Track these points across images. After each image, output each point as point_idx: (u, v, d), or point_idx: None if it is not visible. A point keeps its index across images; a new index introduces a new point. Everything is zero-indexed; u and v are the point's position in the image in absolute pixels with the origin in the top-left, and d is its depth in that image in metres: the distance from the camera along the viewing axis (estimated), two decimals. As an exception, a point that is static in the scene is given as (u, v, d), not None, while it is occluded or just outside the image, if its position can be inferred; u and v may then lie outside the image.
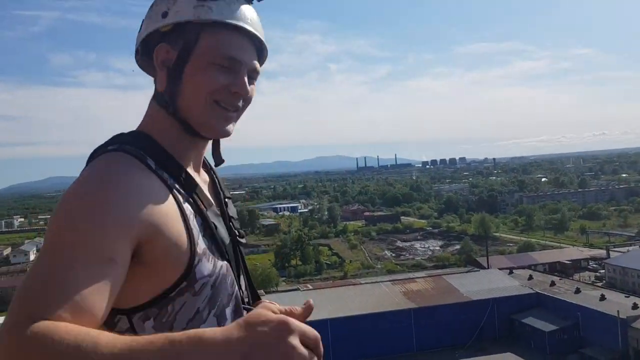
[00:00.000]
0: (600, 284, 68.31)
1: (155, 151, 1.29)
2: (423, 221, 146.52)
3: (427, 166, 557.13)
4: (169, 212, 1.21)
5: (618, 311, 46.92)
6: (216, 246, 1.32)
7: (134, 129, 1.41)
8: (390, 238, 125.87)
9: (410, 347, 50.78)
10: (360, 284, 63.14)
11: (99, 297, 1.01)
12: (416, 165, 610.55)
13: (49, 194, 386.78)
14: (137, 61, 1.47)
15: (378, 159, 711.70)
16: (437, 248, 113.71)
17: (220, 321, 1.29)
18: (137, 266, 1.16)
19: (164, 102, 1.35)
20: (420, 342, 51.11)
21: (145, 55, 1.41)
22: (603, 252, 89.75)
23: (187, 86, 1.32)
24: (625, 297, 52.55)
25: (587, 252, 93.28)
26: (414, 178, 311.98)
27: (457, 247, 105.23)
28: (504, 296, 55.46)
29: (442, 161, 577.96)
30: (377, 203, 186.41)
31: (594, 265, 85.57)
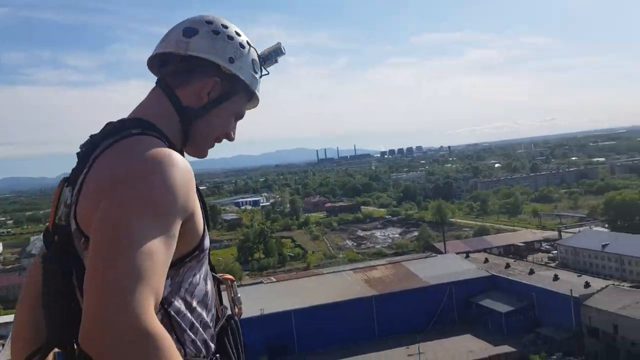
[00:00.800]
0: (553, 265, 71.03)
1: (168, 141, 1.46)
2: (382, 210, 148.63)
3: (386, 156, 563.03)
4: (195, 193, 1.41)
5: (571, 290, 49.05)
6: (207, 225, 1.51)
7: (117, 118, 1.55)
8: (351, 228, 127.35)
9: (372, 333, 51.85)
10: (323, 274, 63.91)
11: (164, 276, 1.19)
12: (375, 156, 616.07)
13: (3, 195, 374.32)
14: (161, 56, 1.64)
15: (338, 150, 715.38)
16: (397, 235, 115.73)
17: (206, 282, 1.51)
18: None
19: (185, 114, 1.57)
20: (381, 328, 52.24)
21: (182, 61, 1.59)
22: (555, 234, 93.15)
23: (210, 118, 1.61)
24: (578, 276, 54.84)
25: (539, 234, 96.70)
26: (373, 168, 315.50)
27: (416, 233, 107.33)
28: (461, 280, 57.19)
29: (400, 151, 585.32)
30: (337, 194, 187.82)
31: (547, 247, 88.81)
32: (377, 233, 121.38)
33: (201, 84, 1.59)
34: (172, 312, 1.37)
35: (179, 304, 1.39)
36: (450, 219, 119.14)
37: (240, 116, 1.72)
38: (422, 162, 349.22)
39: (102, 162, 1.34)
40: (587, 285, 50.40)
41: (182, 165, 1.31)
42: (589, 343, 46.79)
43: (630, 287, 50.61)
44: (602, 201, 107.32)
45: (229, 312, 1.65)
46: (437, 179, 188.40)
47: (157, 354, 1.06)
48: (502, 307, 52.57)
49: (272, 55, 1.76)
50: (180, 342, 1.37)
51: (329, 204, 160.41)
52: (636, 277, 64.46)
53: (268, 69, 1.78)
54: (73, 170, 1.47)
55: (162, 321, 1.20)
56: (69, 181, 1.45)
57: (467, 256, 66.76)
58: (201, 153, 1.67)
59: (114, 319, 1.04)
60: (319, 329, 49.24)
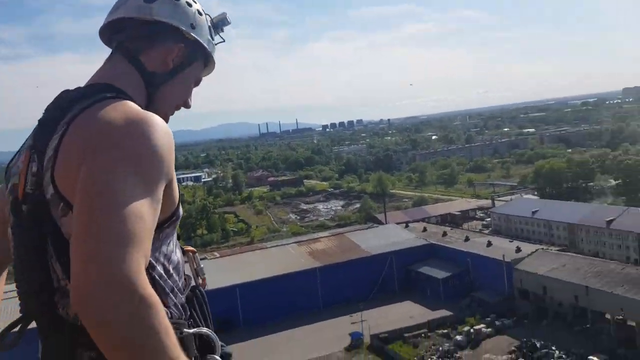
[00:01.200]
0: (487, 232, 74.13)
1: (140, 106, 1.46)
2: (325, 183, 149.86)
3: (327, 129, 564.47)
4: None
5: (503, 255, 51.53)
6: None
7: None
8: (295, 201, 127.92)
9: (317, 304, 52.84)
10: (267, 248, 64.19)
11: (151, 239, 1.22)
12: (317, 129, 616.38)
13: None
14: (115, 22, 1.62)
15: (280, 124, 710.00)
16: (339, 208, 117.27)
17: (176, 249, 1.55)
18: None
19: (151, 80, 1.59)
20: (325, 298, 53.30)
21: (144, 27, 1.59)
22: (489, 202, 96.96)
23: (174, 84, 1.65)
24: (510, 242, 57.71)
25: (474, 203, 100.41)
26: (315, 142, 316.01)
27: (358, 205, 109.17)
28: (401, 249, 58.97)
29: (341, 124, 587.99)
30: (280, 168, 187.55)
31: (481, 215, 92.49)
32: (320, 206, 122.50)
33: (165, 49, 1.61)
34: (156, 276, 1.39)
35: (160, 268, 1.42)
36: (391, 191, 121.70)
37: (198, 82, 1.77)
38: (362, 135, 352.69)
39: (82, 125, 1.32)
40: (518, 250, 53.08)
41: (165, 129, 1.33)
42: (520, 304, 49.49)
43: (557, 250, 53.74)
44: (532, 170, 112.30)
45: (193, 282, 1.68)
46: (377, 152, 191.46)
47: (152, 315, 1.08)
48: (440, 274, 54.67)
49: (219, 25, 1.80)
50: (165, 305, 1.36)
51: (272, 178, 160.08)
52: (563, 241, 68.39)
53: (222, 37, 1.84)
54: (36, 137, 1.41)
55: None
56: (34, 149, 1.40)
57: (407, 226, 68.67)
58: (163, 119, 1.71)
59: (110, 282, 1.05)
60: (264, 303, 49.63)
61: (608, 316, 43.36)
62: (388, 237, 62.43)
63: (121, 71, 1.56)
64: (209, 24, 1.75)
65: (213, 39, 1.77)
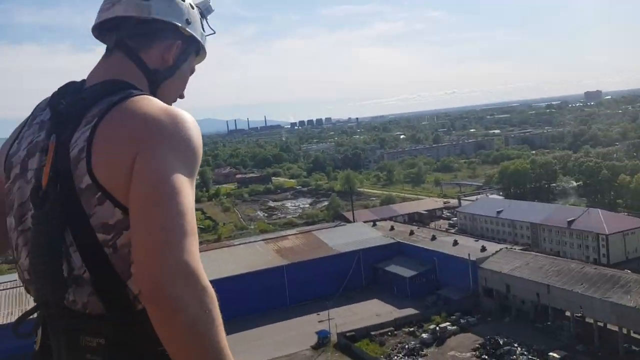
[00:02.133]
0: (453, 231, 75.14)
1: None
2: (293, 181, 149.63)
3: (296, 127, 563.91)
4: None
5: (469, 254, 52.36)
6: None
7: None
8: (263, 199, 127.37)
9: (284, 301, 52.73)
10: (234, 245, 63.66)
11: None
12: (285, 127, 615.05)
13: None
14: (111, 20, 1.61)
15: (248, 121, 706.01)
16: (307, 205, 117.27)
17: None
18: None
19: (153, 78, 1.62)
20: (293, 296, 53.25)
21: (143, 25, 1.60)
22: (455, 202, 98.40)
23: (174, 80, 1.69)
24: (475, 241, 58.68)
25: (441, 202, 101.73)
26: (283, 139, 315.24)
27: (325, 203, 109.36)
28: (369, 247, 59.34)
29: (310, 122, 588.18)
30: (248, 165, 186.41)
31: (448, 214, 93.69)
32: (288, 203, 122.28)
33: (164, 46, 1.64)
34: None
35: None
36: (359, 189, 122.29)
37: (192, 72, 1.80)
38: (331, 133, 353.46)
39: (122, 118, 1.36)
40: (483, 249, 54.00)
41: (197, 126, 1.42)
42: (484, 302, 50.40)
43: (520, 249, 54.91)
44: (497, 170, 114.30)
45: None
46: (345, 150, 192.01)
47: (214, 304, 1.20)
48: (407, 272, 55.19)
49: (204, 14, 1.82)
50: None
51: (239, 175, 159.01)
52: (526, 240, 69.91)
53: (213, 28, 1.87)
54: (58, 128, 1.41)
55: None
56: (58, 139, 1.39)
57: (374, 224, 69.08)
58: None
59: (182, 271, 1.16)
60: (231, 301, 49.01)
61: (568, 313, 44.53)
62: (356, 235, 62.71)
63: (126, 69, 1.58)
64: (199, 16, 1.77)
65: (204, 31, 1.79)
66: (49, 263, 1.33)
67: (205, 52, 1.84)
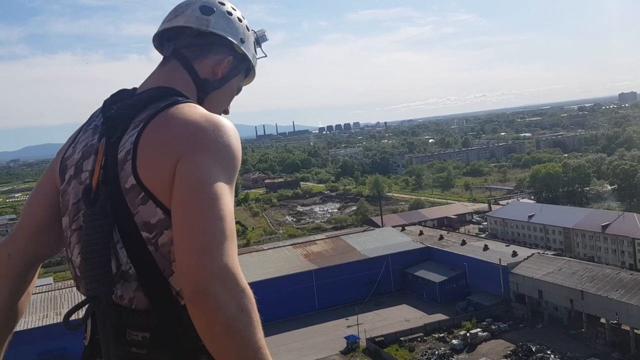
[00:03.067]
0: (483, 235, 74.27)
1: None
2: (321, 185, 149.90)
3: (324, 132, 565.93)
4: None
5: (500, 259, 51.60)
6: None
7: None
8: (291, 203, 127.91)
9: (313, 306, 52.78)
10: (263, 250, 63.98)
11: None
12: (313, 132, 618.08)
13: None
14: (172, 29, 1.73)
15: (277, 126, 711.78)
16: (335, 210, 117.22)
17: None
18: None
19: (202, 87, 1.71)
20: (321, 300, 53.23)
21: (201, 37, 1.72)
22: (485, 206, 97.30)
23: (222, 92, 1.78)
24: (506, 245, 57.80)
25: (471, 207, 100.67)
26: (311, 144, 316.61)
27: (354, 208, 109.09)
28: (398, 252, 58.94)
29: (338, 126, 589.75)
30: (277, 170, 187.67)
31: (478, 218, 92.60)
32: (316, 208, 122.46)
33: (216, 59, 1.73)
34: None
35: None
36: (387, 193, 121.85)
37: (239, 91, 1.89)
38: (359, 138, 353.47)
39: (167, 124, 1.43)
40: (514, 254, 53.14)
41: (237, 132, 1.49)
42: (516, 308, 49.57)
43: (553, 254, 53.83)
44: (528, 174, 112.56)
45: None
46: (374, 155, 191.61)
47: (253, 306, 1.26)
48: (436, 277, 54.66)
49: (259, 41, 1.91)
50: None
51: (268, 180, 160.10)
52: (559, 245, 68.59)
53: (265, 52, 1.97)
54: (108, 132, 1.50)
55: None
56: (107, 141, 1.48)
57: (403, 229, 68.65)
58: None
59: (225, 273, 1.22)
60: (260, 305, 48.23)
61: (603, 320, 43.44)
62: (384, 240, 62.44)
63: (178, 76, 1.67)
64: (254, 39, 1.87)
65: (256, 53, 1.89)
66: (99, 258, 1.39)
67: (254, 74, 1.92)
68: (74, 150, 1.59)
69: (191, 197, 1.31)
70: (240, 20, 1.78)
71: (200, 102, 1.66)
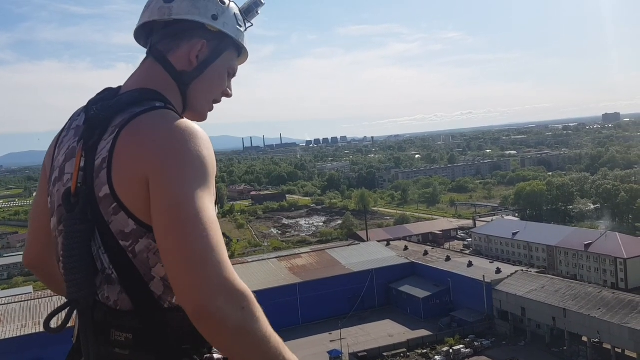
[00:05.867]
0: (468, 252, 74.48)
1: (177, 113, 1.53)
2: (307, 199, 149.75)
3: (311, 145, 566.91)
4: None
5: (484, 276, 51.74)
6: None
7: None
8: (277, 216, 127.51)
9: (296, 320, 52.38)
10: (248, 262, 63.61)
11: None
12: (300, 145, 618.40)
13: None
14: (145, 26, 1.66)
15: (264, 138, 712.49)
16: (321, 224, 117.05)
17: None
18: None
19: (180, 79, 1.61)
20: (305, 314, 52.91)
21: (169, 27, 1.63)
22: (470, 222, 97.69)
23: (204, 80, 1.65)
24: (490, 262, 58.05)
25: (456, 223, 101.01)
26: (298, 157, 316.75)
27: (339, 222, 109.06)
28: (382, 267, 58.86)
29: (325, 140, 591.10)
30: (263, 182, 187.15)
31: (462, 235, 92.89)
32: (302, 221, 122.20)
33: (189, 46, 1.62)
34: None
35: None
36: (373, 208, 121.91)
37: (233, 72, 1.75)
38: (346, 152, 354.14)
39: (139, 133, 1.39)
40: (498, 271, 53.33)
41: (208, 141, 1.43)
42: (499, 325, 49.65)
43: (536, 272, 54.15)
44: (513, 192, 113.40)
45: None
46: (360, 169, 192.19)
47: (253, 304, 1.26)
48: (420, 293, 54.63)
49: (252, 8, 1.77)
50: None
51: (254, 192, 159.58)
52: (542, 262, 69.01)
53: (252, 21, 1.80)
54: (86, 134, 1.46)
55: None
56: (85, 144, 1.46)
57: (388, 244, 68.69)
58: (201, 117, 1.71)
59: (222, 284, 1.21)
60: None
61: (585, 339, 43.66)
62: (369, 254, 62.37)
63: (155, 74, 1.60)
64: (237, 11, 1.72)
65: (243, 26, 1.73)
66: (78, 263, 1.39)
67: (246, 51, 1.77)
68: (58, 151, 1.58)
69: (170, 220, 1.27)
70: None
71: (184, 95, 1.62)
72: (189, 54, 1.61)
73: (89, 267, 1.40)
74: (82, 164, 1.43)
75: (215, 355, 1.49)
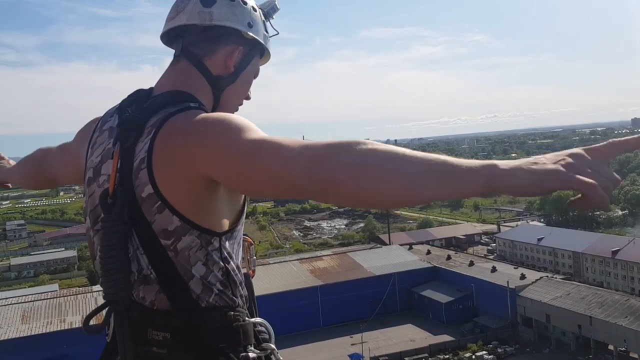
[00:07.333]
0: (491, 257, 73.61)
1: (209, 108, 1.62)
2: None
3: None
4: None
5: (508, 281, 51.08)
6: None
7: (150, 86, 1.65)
8: (299, 218, 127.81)
9: (317, 322, 52.37)
10: (269, 263, 63.75)
11: None
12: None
13: None
14: (177, 28, 1.66)
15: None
16: (343, 226, 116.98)
17: (241, 241, 1.65)
18: (230, 194, 1.49)
19: (216, 84, 1.65)
20: (326, 317, 52.84)
21: (207, 31, 1.64)
22: (494, 227, 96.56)
23: (237, 85, 1.70)
24: (514, 268, 57.26)
25: (480, 227, 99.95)
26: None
27: (361, 225, 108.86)
28: (405, 270, 58.50)
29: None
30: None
31: (486, 240, 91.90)
32: (324, 224, 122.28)
33: (226, 52, 1.65)
34: (230, 270, 1.51)
35: (233, 263, 1.53)
36: (395, 211, 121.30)
37: (256, 75, 1.80)
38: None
39: (175, 130, 1.39)
40: (522, 277, 52.60)
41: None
42: (523, 332, 48.95)
43: (562, 278, 53.24)
44: (538, 197, 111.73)
45: (244, 270, 1.69)
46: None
47: (370, 142, 1.19)
48: (443, 298, 54.15)
49: (269, 14, 1.81)
50: (234, 295, 1.53)
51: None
52: (568, 269, 67.83)
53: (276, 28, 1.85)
54: (122, 135, 1.47)
55: (222, 277, 1.47)
56: (122, 146, 1.46)
57: (411, 248, 68.27)
58: None
59: (313, 153, 1.19)
60: (264, 319, 49.13)
61: (611, 347, 42.79)
62: (391, 258, 62.07)
63: (189, 76, 1.61)
64: (263, 18, 1.76)
65: (268, 32, 1.78)
66: (116, 264, 1.40)
67: (269, 54, 1.82)
68: (92, 151, 1.59)
69: (248, 150, 1.28)
70: (245, 3, 1.68)
71: (216, 100, 1.65)
72: (225, 60, 1.64)
73: (128, 268, 1.42)
74: (118, 165, 1.44)
75: (251, 354, 1.50)
